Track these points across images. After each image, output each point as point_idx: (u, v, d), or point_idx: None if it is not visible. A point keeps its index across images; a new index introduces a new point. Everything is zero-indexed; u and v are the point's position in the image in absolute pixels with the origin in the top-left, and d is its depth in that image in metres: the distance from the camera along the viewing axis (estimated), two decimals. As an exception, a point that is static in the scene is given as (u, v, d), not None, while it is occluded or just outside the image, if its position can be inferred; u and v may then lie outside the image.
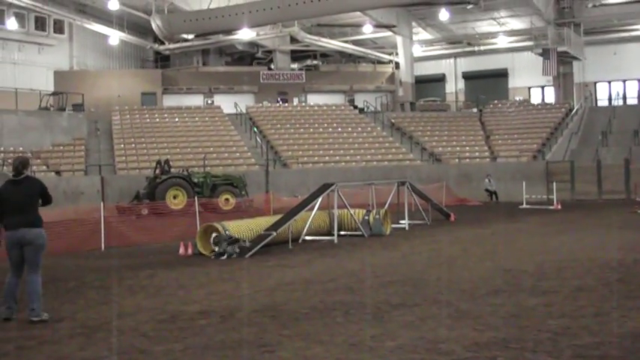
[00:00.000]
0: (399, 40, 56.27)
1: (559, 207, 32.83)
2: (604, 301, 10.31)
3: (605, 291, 11.10)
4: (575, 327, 8.68)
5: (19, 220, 10.03)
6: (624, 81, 58.71)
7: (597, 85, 59.45)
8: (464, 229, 23.44)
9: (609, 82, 59.18)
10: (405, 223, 24.11)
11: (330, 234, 20.83)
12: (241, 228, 18.64)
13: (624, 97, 58.76)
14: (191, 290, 12.53)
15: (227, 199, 31.57)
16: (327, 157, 44.29)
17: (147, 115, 48.57)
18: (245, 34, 54.49)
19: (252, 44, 61.09)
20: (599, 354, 7.50)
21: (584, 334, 8.31)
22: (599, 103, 58.12)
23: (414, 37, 58.35)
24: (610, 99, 58.76)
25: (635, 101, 57.11)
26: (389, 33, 56.69)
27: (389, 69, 62.69)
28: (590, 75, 58.30)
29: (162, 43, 54.99)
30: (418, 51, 60.80)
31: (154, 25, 50.00)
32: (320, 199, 20.87)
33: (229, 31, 53.74)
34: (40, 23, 52.04)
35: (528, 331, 8.56)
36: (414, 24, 57.23)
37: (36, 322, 9.79)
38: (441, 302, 10.60)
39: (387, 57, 61.95)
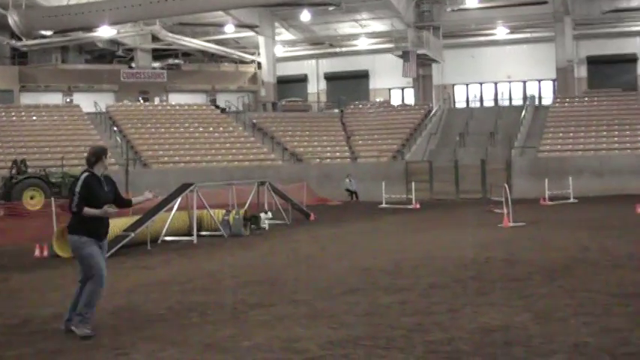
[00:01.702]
0: (261, 40, 56.28)
1: (418, 206, 33.47)
2: (456, 297, 10.52)
3: (457, 288, 11.32)
4: (427, 323, 8.80)
5: None
6: (481, 83, 60.71)
7: (455, 87, 61.27)
8: (323, 228, 23.59)
9: (467, 85, 61.07)
10: (265, 223, 24.06)
11: (190, 234, 20.58)
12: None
13: (481, 99, 60.75)
14: (45, 293, 12.12)
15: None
16: (188, 157, 43.84)
17: (3, 114, 46.89)
18: (105, 32, 53.22)
19: (113, 42, 59.65)
20: (450, 349, 7.62)
21: (436, 330, 8.43)
22: (457, 105, 59.91)
23: (277, 38, 58.44)
24: (467, 101, 60.58)
25: (491, 103, 59.17)
26: (251, 33, 56.58)
27: (251, 69, 62.55)
28: (448, 77, 59.97)
29: (20, 39, 52.96)
30: (280, 51, 60.93)
31: (10, 21, 47.92)
32: (179, 200, 20.62)
33: (89, 29, 52.33)
34: None
35: (382, 328, 8.61)
36: (276, 24, 57.27)
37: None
38: (298, 301, 10.57)
39: (249, 57, 61.74)
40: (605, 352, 7.29)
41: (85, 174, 8.92)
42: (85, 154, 9.35)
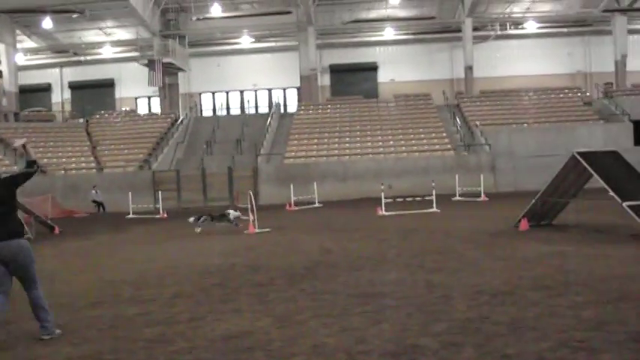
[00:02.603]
0: (1, 47, 53.54)
1: (165, 216, 33.39)
2: (199, 305, 10.61)
3: (201, 296, 11.41)
4: (170, 333, 8.84)
5: None
6: (227, 92, 61.40)
7: (202, 95, 61.53)
8: (68, 241, 22.94)
9: (213, 93, 61.56)
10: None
11: None
12: None
13: (227, 108, 61.43)
14: None
15: None
16: None
17: None
18: None
19: None
20: (192, 358, 7.71)
21: (178, 340, 8.48)
22: (204, 113, 60.24)
23: (18, 45, 55.89)
24: (214, 109, 61.05)
25: (238, 111, 60.02)
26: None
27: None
28: (195, 86, 60.24)
29: None
30: (22, 60, 58.35)
31: None
32: None
33: None
34: None
35: (124, 341, 8.56)
36: (18, 31, 54.81)
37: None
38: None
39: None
40: (342, 352, 7.64)
41: None
42: None
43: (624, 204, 16.28)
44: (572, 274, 11.73)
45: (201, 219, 23.84)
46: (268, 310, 10.08)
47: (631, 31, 55.76)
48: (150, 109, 60.48)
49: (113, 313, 10.42)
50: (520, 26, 58.22)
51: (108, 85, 61.65)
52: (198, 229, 23.49)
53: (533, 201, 19.48)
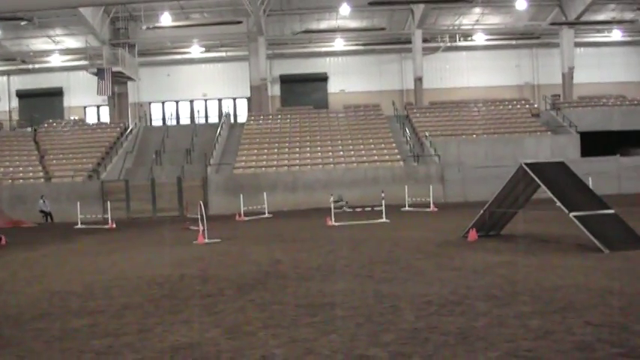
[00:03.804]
0: (-55, 54, 52.82)
1: (114, 226, 33.14)
2: (148, 317, 10.56)
3: (150, 307, 11.36)
4: (118, 345, 8.79)
5: None
6: (177, 101, 61.14)
7: (152, 105, 61.19)
8: (15, 252, 22.63)
9: (163, 103, 61.22)
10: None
11: None
12: None
13: (177, 117, 61.14)
14: None
15: None
16: None
17: None
18: None
19: None
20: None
21: (127, 352, 8.45)
22: (154, 123, 59.90)
23: (-36, 52, 55.14)
24: (164, 119, 60.67)
25: (187, 121, 59.75)
26: None
27: None
28: (145, 95, 59.91)
29: None
30: (-32, 67, 57.55)
31: None
32: None
33: None
34: None
35: (72, 353, 8.50)
36: (-37, 38, 54.11)
37: None
38: (-20, 332, 10.13)
39: None
40: (290, 362, 7.69)
41: None
42: None
43: (571, 214, 16.55)
44: (520, 284, 11.91)
45: None
46: (217, 320, 10.08)
47: (578, 44, 56.89)
48: (99, 119, 59.96)
49: (61, 324, 10.32)
50: (469, 38, 58.95)
51: (56, 93, 60.93)
52: None
53: (482, 211, 19.72)
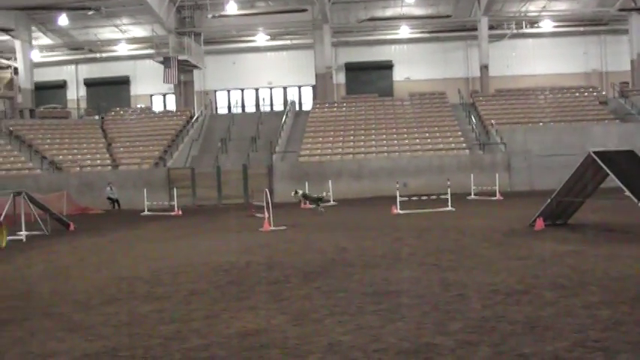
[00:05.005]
0: (17, 44, 53.78)
1: (180, 213, 33.43)
2: (214, 303, 10.57)
3: (216, 294, 11.37)
4: (185, 331, 8.81)
5: None
6: (242, 90, 61.40)
7: (217, 93, 61.57)
8: (83, 238, 23.00)
9: (228, 91, 61.58)
10: (22, 234, 23.10)
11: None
12: None
13: (242, 105, 61.44)
14: None
15: None
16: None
17: None
18: None
19: None
20: (208, 355, 7.67)
21: (193, 337, 8.45)
22: (219, 111, 60.27)
23: (34, 42, 56.15)
24: (229, 107, 61.06)
25: (253, 109, 60.00)
26: (7, 37, 53.96)
27: (8, 74, 59.63)
28: (210, 83, 60.32)
29: None
30: (38, 56, 58.57)
31: None
32: None
33: None
34: None
35: (139, 337, 8.54)
36: (33, 28, 55.06)
37: None
38: (53, 315, 10.24)
39: (5, 62, 58.97)
40: (357, 350, 7.59)
41: None
42: None
43: (640, 204, 16.19)
44: (588, 274, 11.65)
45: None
46: (283, 307, 10.05)
47: (647, 30, 55.49)
48: (165, 107, 60.60)
49: (128, 310, 10.41)
50: (536, 25, 58.02)
51: (123, 82, 61.83)
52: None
53: (549, 200, 19.37)
